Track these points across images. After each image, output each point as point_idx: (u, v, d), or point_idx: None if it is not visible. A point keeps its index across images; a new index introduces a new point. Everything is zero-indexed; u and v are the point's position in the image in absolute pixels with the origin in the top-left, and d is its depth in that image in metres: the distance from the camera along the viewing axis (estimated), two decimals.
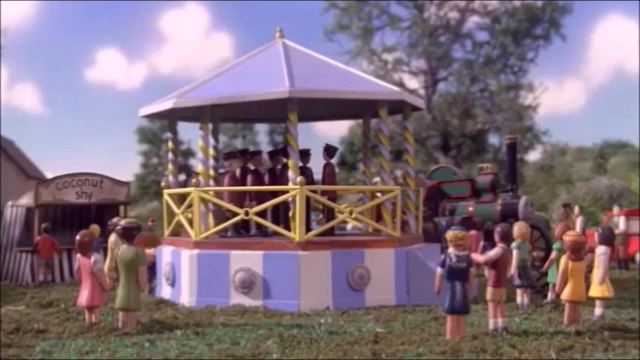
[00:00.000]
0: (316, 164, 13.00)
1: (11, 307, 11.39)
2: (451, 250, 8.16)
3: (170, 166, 13.82)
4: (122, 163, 69.44)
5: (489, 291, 8.58)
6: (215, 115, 13.62)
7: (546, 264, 11.55)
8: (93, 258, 9.17)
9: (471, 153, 45.83)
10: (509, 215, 14.02)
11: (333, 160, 13.08)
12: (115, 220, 13.12)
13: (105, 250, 14.00)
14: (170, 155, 13.86)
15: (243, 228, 13.16)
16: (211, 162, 13.24)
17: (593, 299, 9.58)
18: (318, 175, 13.07)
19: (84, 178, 16.69)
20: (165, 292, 12.54)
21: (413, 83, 47.01)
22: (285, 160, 12.45)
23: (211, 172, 12.95)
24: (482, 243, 14.45)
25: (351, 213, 11.87)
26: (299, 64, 12.60)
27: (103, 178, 16.90)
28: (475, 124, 45.72)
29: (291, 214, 11.70)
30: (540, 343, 7.71)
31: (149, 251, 12.49)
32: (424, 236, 13.78)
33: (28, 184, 29.69)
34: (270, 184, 12.87)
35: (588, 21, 73.93)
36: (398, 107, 12.97)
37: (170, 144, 13.82)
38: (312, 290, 10.95)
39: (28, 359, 7.38)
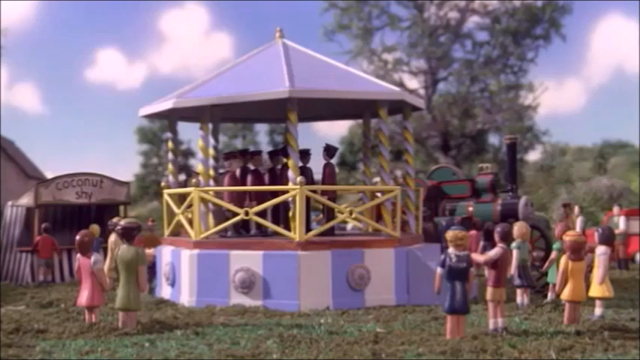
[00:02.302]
0: (316, 164, 13.02)
1: (11, 307, 11.39)
2: (451, 250, 8.16)
3: (170, 166, 13.82)
4: (122, 163, 69.57)
5: (489, 291, 8.58)
6: (215, 115, 13.62)
7: (546, 264, 11.54)
8: (93, 258, 9.17)
9: (471, 153, 45.85)
10: (509, 215, 14.02)
11: (333, 160, 13.08)
12: (115, 220, 13.12)
13: (105, 250, 13.99)
14: (170, 155, 13.86)
15: (243, 228, 13.16)
16: (211, 162, 13.24)
17: (593, 299, 9.57)
18: (318, 175, 13.06)
19: (84, 178, 16.69)
20: (165, 292, 12.54)
21: (413, 83, 47.12)
22: (285, 160, 12.44)
23: (211, 172, 12.95)
24: (482, 243, 14.43)
25: (351, 213, 11.87)
26: (299, 64, 12.60)
27: (103, 178, 16.90)
28: (475, 124, 45.75)
29: (291, 214, 11.70)
30: (540, 343, 7.70)
31: (149, 251, 12.48)
32: (424, 236, 13.78)
33: (28, 184, 29.68)
34: (270, 184, 12.87)
35: (588, 21, 74.10)
36: (398, 107, 12.97)
37: (170, 144, 13.82)
38: (312, 290, 10.95)
39: (28, 359, 7.38)
